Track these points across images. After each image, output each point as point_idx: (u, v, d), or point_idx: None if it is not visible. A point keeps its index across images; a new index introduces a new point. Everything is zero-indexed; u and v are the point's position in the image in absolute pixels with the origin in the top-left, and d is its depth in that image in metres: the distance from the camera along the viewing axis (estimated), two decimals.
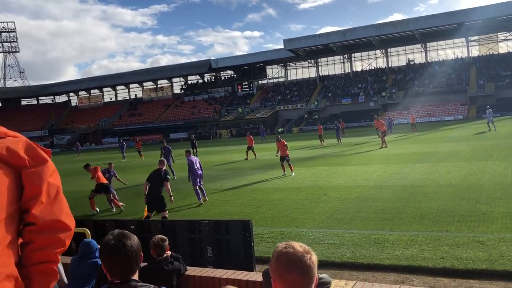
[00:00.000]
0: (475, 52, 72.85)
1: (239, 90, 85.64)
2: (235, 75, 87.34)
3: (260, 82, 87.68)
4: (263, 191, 14.52)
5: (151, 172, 10.66)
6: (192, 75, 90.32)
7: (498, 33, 69.84)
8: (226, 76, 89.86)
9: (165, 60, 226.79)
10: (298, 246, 1.92)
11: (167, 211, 10.42)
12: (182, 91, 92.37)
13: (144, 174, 13.06)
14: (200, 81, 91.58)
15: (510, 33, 67.55)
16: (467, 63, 69.44)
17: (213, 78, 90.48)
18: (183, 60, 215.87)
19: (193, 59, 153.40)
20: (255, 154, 27.21)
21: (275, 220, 10.30)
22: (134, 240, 2.21)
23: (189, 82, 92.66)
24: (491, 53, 70.95)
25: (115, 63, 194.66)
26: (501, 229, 7.92)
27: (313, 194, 13.22)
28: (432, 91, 64.94)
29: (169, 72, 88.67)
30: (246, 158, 26.99)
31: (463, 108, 60.25)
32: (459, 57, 72.51)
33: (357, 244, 7.86)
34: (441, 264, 6.56)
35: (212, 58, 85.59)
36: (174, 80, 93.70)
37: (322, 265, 7.15)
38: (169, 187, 10.53)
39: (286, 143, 18.20)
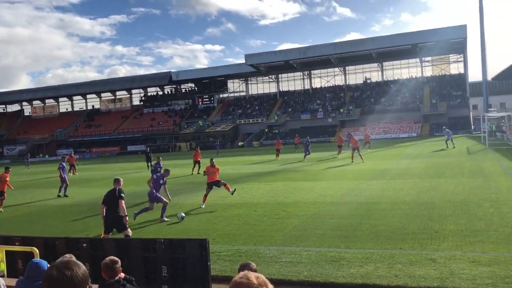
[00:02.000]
0: (428, 72, 76.08)
1: (200, 103, 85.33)
2: (196, 88, 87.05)
3: (221, 95, 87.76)
4: (221, 207, 14.38)
5: (106, 194, 10.11)
6: (152, 87, 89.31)
7: (450, 55, 73.22)
8: (187, 89, 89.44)
9: (123, 71, 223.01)
10: (254, 278, 1.89)
11: (129, 230, 10.00)
12: (141, 103, 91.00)
13: (99, 188, 12.68)
14: (160, 93, 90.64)
15: (461, 55, 70.95)
16: (421, 83, 72.28)
17: (174, 90, 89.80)
18: (142, 71, 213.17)
19: (153, 71, 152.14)
20: (198, 170, 26.80)
21: (232, 238, 10.19)
22: (79, 270, 2.07)
23: (149, 94, 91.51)
24: (443, 73, 74.21)
25: (71, 72, 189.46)
26: (451, 247, 8.17)
27: (271, 210, 13.21)
28: (388, 109, 67.10)
29: (129, 83, 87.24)
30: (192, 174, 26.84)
31: (417, 126, 62.50)
32: (414, 76, 75.41)
33: (314, 262, 7.87)
34: (394, 282, 6.66)
35: (172, 70, 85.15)
36: (134, 91, 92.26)
37: (279, 284, 7.12)
38: (124, 206, 9.95)
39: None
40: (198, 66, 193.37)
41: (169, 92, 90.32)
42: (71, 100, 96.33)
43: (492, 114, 47.34)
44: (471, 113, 63.60)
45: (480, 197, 12.87)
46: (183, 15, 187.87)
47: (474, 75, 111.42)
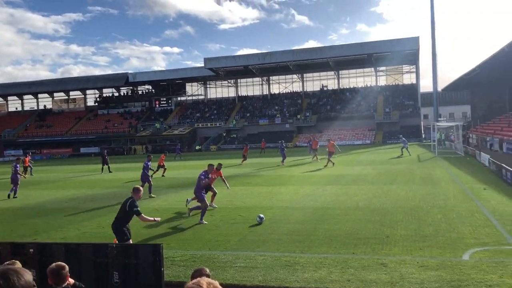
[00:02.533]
0: (382, 81, 78.46)
1: (157, 105, 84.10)
2: (153, 90, 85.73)
3: (179, 98, 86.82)
4: (175, 211, 14.20)
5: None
6: (108, 87, 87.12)
7: (403, 66, 75.90)
8: (144, 91, 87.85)
9: (78, 71, 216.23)
10: (206, 284, 1.88)
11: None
12: (96, 104, 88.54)
13: (49, 191, 12.19)
14: (116, 94, 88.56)
15: (413, 66, 73.68)
16: (375, 92, 74.43)
17: (130, 92, 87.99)
18: (97, 71, 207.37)
19: (108, 72, 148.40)
20: (163, 173, 26.66)
21: (188, 243, 10.08)
22: (20, 279, 1.94)
23: (104, 95, 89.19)
24: (396, 83, 76.80)
25: (21, 70, 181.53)
26: (402, 252, 8.43)
27: (228, 215, 13.17)
28: (343, 116, 68.68)
29: (83, 83, 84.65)
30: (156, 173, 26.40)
31: (370, 134, 64.24)
32: (368, 85, 77.59)
33: (268, 267, 7.90)
34: (347, 286, 6.79)
35: (129, 71, 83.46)
36: (88, 92, 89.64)
37: None
38: (146, 218, 9.21)
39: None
40: (156, 68, 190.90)
41: (125, 94, 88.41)
42: (21, 99, 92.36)
43: (442, 124, 49.40)
44: (422, 122, 66.10)
45: (429, 204, 13.36)
46: (140, 16, 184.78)
47: (426, 85, 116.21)
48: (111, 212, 14.53)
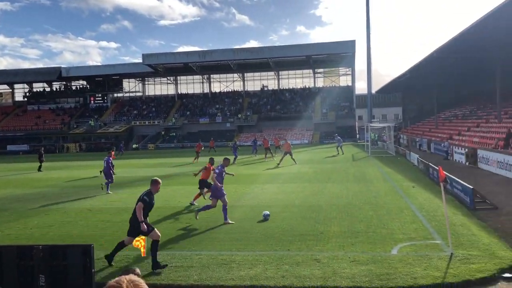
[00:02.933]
0: (320, 83, 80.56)
1: (92, 102, 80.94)
2: (88, 86, 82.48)
3: (115, 95, 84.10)
4: (111, 212, 13.73)
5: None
6: (39, 82, 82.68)
7: (340, 68, 78.41)
8: (78, 86, 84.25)
9: (4, 63, 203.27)
10: (126, 282, 1.86)
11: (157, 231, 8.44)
12: (25, 99, 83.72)
13: None
14: (48, 89, 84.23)
15: (349, 68, 76.30)
16: (313, 93, 76.27)
17: (63, 87, 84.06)
18: (27, 65, 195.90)
19: (39, 65, 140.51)
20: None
21: None
22: None
23: (35, 90, 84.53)
24: (333, 85, 79.19)
25: None
26: (335, 248, 8.68)
27: (164, 214, 12.93)
28: (283, 116, 69.86)
29: (11, 76, 79.68)
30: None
31: (308, 134, 65.78)
32: (307, 86, 79.37)
33: (204, 266, 7.84)
34: (281, 283, 6.88)
35: (63, 66, 79.73)
36: (16, 86, 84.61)
37: None
38: (139, 210, 8.60)
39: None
40: (91, 63, 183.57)
41: (58, 89, 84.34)
42: None
43: (375, 125, 51.59)
44: (356, 123, 68.66)
45: (362, 201, 13.87)
46: (75, 8, 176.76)
47: (361, 88, 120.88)
48: (39, 214, 13.80)
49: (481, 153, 22.57)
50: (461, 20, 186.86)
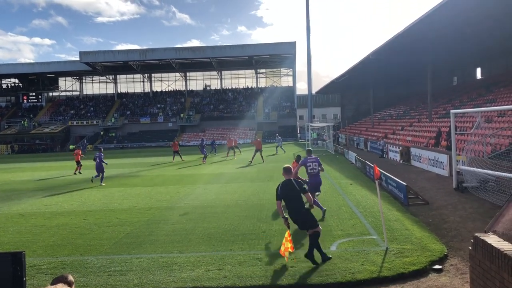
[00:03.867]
0: (262, 83, 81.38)
1: (25, 101, 76.75)
2: (20, 84, 78.12)
3: (51, 94, 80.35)
4: (45, 216, 13.09)
5: (280, 187, 8.07)
6: None
7: (281, 69, 79.60)
8: (9, 85, 79.58)
9: None
10: None
11: (319, 226, 8.00)
12: None
13: None
14: None
15: (290, 69, 77.64)
16: (256, 93, 76.90)
17: None
18: None
19: None
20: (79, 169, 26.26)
21: (56, 249, 9.33)
22: None
23: None
24: (275, 85, 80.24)
25: None
26: (276, 246, 8.77)
27: (103, 217, 12.50)
28: (226, 116, 69.87)
29: None
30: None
31: (251, 133, 66.22)
32: (250, 86, 79.87)
33: (145, 269, 7.67)
34: (224, 283, 6.87)
35: None
36: None
37: None
38: (311, 197, 8.40)
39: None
40: (23, 60, 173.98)
41: None
42: None
43: (315, 124, 52.86)
44: (297, 122, 70.04)
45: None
46: (3, 2, 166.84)
47: (302, 88, 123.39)
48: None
49: (413, 151, 23.75)
50: (397, 24, 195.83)
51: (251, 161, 28.70)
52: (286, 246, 7.46)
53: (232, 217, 11.76)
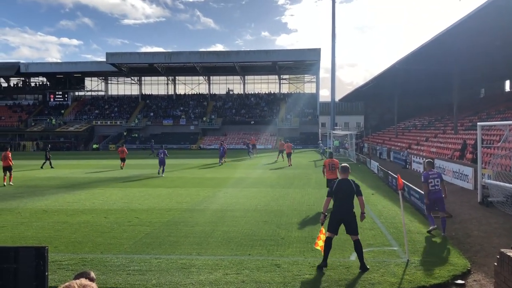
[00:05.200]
0: (285, 89, 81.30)
1: (52, 99, 78.47)
2: (48, 83, 79.95)
3: (77, 93, 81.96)
4: (68, 213, 13.31)
5: (335, 185, 7.99)
6: None
7: (305, 75, 79.39)
8: (38, 83, 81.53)
9: None
10: (77, 286, 1.79)
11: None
12: None
13: None
14: (5, 84, 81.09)
15: (314, 76, 77.39)
16: (278, 99, 76.87)
17: (21, 83, 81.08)
18: None
19: None
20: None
21: (77, 246, 9.47)
22: None
23: None
24: (298, 91, 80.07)
25: None
26: (295, 253, 8.72)
27: (123, 217, 12.64)
28: (247, 121, 69.99)
29: None
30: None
31: (272, 139, 66.15)
32: (272, 92, 79.89)
33: (163, 270, 7.71)
34: None
35: (21, 61, 76.92)
36: None
37: None
38: (364, 201, 8.21)
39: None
40: (50, 59, 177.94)
41: (16, 85, 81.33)
42: None
43: (337, 132, 52.49)
44: (319, 129, 69.64)
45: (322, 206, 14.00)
46: (32, 2, 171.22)
47: (325, 95, 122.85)
48: None
49: (438, 162, 23.33)
50: (423, 33, 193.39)
51: (290, 165, 30.84)
52: (322, 239, 7.75)
53: (251, 221, 11.73)
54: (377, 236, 10.16)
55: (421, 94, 54.90)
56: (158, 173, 24.85)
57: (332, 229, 7.97)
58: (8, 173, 21.01)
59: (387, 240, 9.76)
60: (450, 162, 21.83)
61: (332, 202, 8.11)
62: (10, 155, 21.33)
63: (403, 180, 9.22)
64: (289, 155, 31.95)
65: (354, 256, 8.49)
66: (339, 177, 8.34)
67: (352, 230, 7.85)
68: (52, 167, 30.51)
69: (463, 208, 13.95)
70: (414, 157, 29.04)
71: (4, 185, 20.47)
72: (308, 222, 11.73)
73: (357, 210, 7.94)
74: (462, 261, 8.11)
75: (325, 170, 14.78)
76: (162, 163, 24.99)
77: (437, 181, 10.84)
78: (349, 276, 7.31)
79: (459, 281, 7.18)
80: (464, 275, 7.48)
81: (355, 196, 7.92)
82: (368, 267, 7.63)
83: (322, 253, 7.80)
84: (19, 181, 22.35)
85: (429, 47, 26.99)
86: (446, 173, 21.33)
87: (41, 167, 30.47)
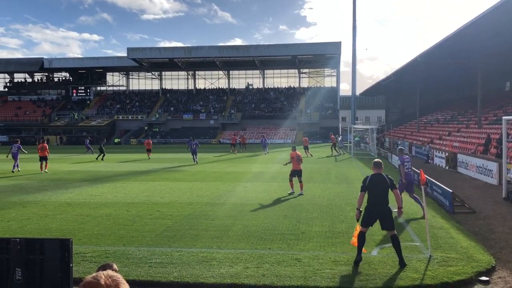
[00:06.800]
0: (305, 83, 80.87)
1: (74, 94, 79.81)
2: (70, 78, 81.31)
3: (98, 88, 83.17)
4: (91, 206, 13.55)
5: (368, 179, 8.02)
6: (20, 72, 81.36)
7: (325, 69, 78.77)
8: (60, 78, 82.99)
9: None
10: (104, 278, 1.82)
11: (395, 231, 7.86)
12: (6, 89, 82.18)
13: None
14: (29, 80, 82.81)
15: (334, 70, 76.74)
16: (298, 93, 76.53)
17: (45, 78, 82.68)
18: (5, 54, 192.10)
19: (18, 55, 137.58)
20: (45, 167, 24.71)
21: (100, 238, 9.64)
22: None
23: (16, 80, 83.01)
24: (318, 85, 79.53)
25: None
26: (315, 247, 8.70)
27: (145, 210, 12.81)
28: (267, 115, 69.94)
29: None
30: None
31: (292, 133, 65.99)
32: (292, 86, 79.56)
33: (184, 263, 7.78)
34: (262, 282, 6.87)
35: (45, 57, 78.37)
36: None
37: (147, 285, 6.93)
38: (400, 196, 8.36)
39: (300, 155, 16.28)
40: (71, 55, 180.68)
41: (40, 80, 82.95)
42: None
43: (358, 126, 52.01)
44: (340, 124, 69.10)
45: (343, 201, 13.96)
46: None
47: (345, 89, 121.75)
48: (16, 206, 13.56)
49: (461, 157, 22.93)
50: (443, 26, 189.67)
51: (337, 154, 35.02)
52: (355, 235, 7.79)
53: (271, 216, 11.75)
54: (399, 231, 10.02)
55: (444, 88, 53.94)
56: (195, 162, 28.26)
57: (366, 224, 7.88)
58: (44, 162, 23.65)
59: (409, 236, 9.66)
60: (474, 157, 21.42)
61: (366, 197, 8.00)
62: (47, 147, 24.13)
63: (425, 175, 9.09)
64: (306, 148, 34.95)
65: (375, 251, 8.44)
66: (373, 172, 8.16)
67: (388, 225, 7.74)
68: (102, 160, 33.00)
69: (487, 203, 13.68)
70: (436, 151, 28.59)
71: (41, 173, 23.19)
72: (328, 217, 11.67)
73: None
74: (486, 258, 7.97)
75: (292, 161, 15.96)
76: (194, 152, 28.29)
77: (410, 165, 12.68)
78: (370, 271, 7.26)
79: (483, 278, 7.05)
80: (489, 271, 7.35)
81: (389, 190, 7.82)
82: (405, 263, 7.50)
83: (356, 248, 7.75)
84: (43, 174, 22.83)
85: (453, 40, 26.47)
86: (469, 168, 20.95)
87: (102, 159, 33.10)
